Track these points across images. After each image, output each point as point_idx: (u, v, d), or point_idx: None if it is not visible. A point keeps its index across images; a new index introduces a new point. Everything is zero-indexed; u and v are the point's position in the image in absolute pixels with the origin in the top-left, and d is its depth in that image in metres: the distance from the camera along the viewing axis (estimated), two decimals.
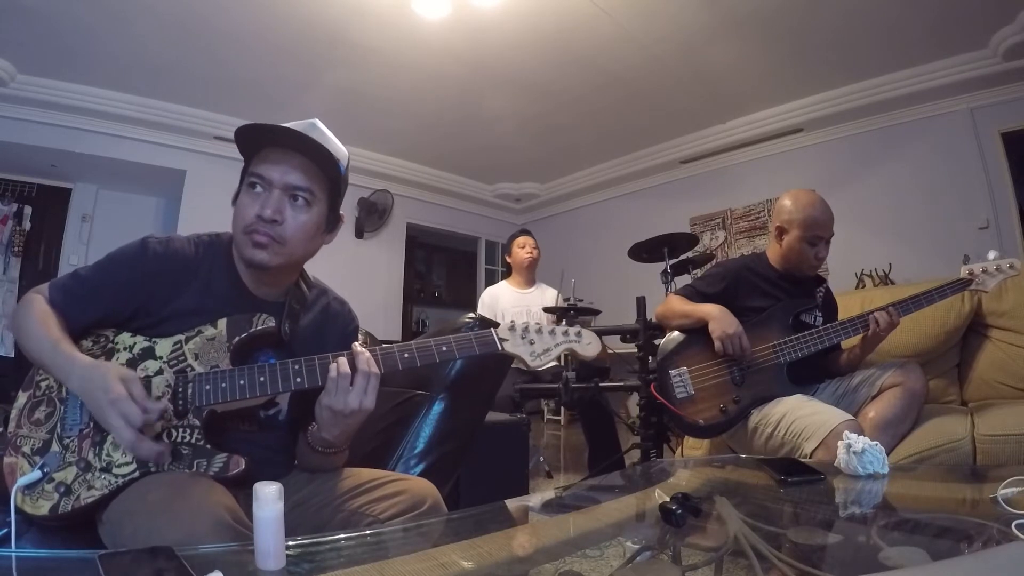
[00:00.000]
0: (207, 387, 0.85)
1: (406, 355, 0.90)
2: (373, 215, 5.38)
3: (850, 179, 4.14)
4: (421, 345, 0.91)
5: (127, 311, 0.91)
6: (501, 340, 0.91)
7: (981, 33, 3.24)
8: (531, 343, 0.92)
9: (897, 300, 1.63)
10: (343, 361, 0.85)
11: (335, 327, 1.06)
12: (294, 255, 0.94)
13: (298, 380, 0.86)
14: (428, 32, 3.33)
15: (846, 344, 1.73)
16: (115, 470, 0.81)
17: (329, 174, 0.95)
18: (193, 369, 0.87)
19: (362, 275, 5.18)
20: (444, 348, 0.90)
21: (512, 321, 0.94)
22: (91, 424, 0.83)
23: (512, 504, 1.05)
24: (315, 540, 0.75)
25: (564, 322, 0.99)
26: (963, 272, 1.64)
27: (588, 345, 0.94)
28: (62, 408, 0.85)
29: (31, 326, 0.85)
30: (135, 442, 0.77)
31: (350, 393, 0.84)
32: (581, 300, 4.03)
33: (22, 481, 0.78)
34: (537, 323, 0.94)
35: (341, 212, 1.02)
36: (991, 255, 1.62)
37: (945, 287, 1.63)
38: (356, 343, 0.89)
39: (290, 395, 0.98)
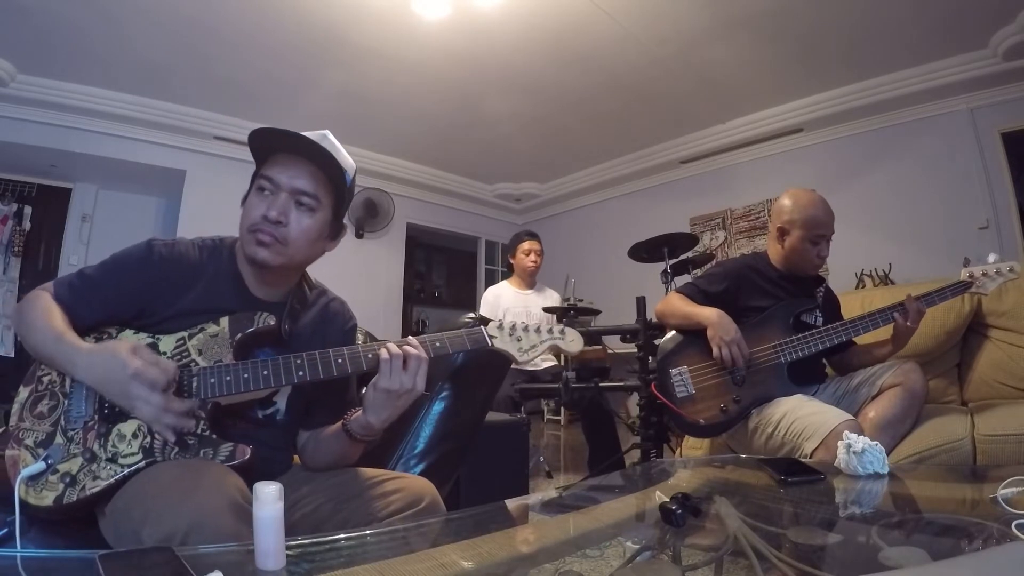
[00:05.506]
0: (212, 380, 0.87)
1: None
2: (371, 215, 5.37)
3: (850, 179, 4.14)
4: (419, 341, 0.94)
5: (131, 312, 0.92)
6: (490, 337, 0.97)
7: (981, 33, 3.24)
8: (518, 340, 0.98)
9: (898, 303, 1.62)
10: (391, 346, 0.90)
11: (334, 325, 1.08)
12: (295, 257, 0.96)
13: (300, 373, 0.88)
14: (428, 32, 3.33)
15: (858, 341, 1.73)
16: (121, 460, 0.81)
17: (336, 183, 0.98)
18: (197, 364, 0.89)
19: (362, 275, 5.19)
20: (438, 344, 0.95)
21: (500, 320, 1.00)
22: (96, 417, 0.84)
23: (512, 504, 1.06)
24: (315, 540, 0.75)
25: (563, 322, 1.04)
26: (963, 275, 1.65)
27: (571, 342, 1.00)
28: (66, 402, 0.85)
29: (36, 320, 0.86)
30: (167, 403, 0.79)
31: (404, 374, 0.89)
32: (581, 300, 4.04)
33: (26, 472, 0.78)
34: (524, 322, 0.99)
35: (345, 222, 1.05)
36: (991, 258, 1.62)
37: (945, 289, 1.63)
38: (411, 337, 0.94)
39: (288, 396, 0.99)
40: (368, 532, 0.83)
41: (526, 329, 0.99)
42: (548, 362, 3.25)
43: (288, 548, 0.65)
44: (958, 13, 3.06)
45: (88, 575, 0.56)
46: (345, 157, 0.99)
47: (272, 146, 0.96)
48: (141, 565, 0.57)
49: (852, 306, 1.93)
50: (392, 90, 4.03)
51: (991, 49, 3.32)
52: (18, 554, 0.71)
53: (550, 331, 1.00)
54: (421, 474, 1.15)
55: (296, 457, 1.05)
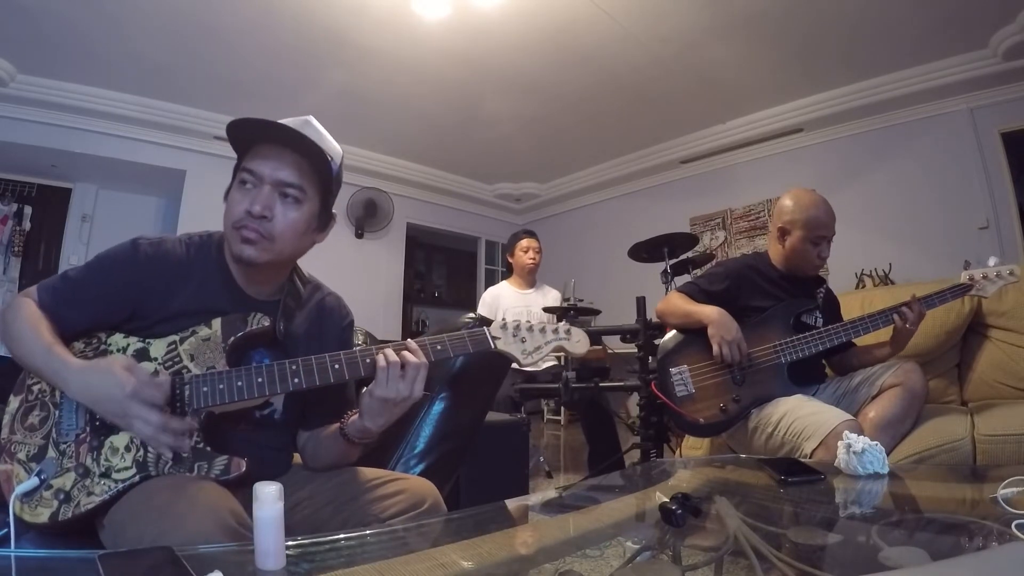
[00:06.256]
0: (204, 389, 0.83)
1: None
2: (371, 215, 5.37)
3: (850, 179, 4.14)
4: (419, 344, 0.91)
5: (120, 315, 0.89)
6: (493, 338, 0.93)
7: (981, 33, 3.24)
8: (522, 341, 0.94)
9: (898, 304, 1.62)
10: (389, 352, 0.86)
11: (330, 322, 1.05)
12: (283, 252, 0.93)
13: (295, 380, 0.85)
14: (428, 33, 3.33)
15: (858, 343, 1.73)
16: (115, 475, 0.79)
17: (321, 172, 0.93)
18: (188, 370, 0.86)
19: (362, 275, 5.19)
20: (439, 347, 0.91)
21: (504, 320, 0.95)
22: (88, 429, 0.82)
23: (512, 504, 1.05)
24: (315, 540, 0.75)
25: (564, 321, 1.01)
26: (963, 277, 1.65)
27: (577, 343, 0.96)
28: (57, 413, 0.83)
29: (21, 330, 0.83)
30: (166, 422, 0.77)
31: (401, 382, 0.85)
32: (581, 300, 4.04)
33: (20, 489, 0.76)
34: (528, 321, 0.95)
35: (334, 211, 1.01)
36: (991, 261, 1.62)
37: (945, 291, 1.63)
38: (410, 341, 0.90)
39: (285, 396, 0.96)
40: (368, 532, 0.83)
41: (530, 329, 0.94)
42: (548, 362, 3.25)
43: (288, 548, 0.64)
44: (958, 13, 3.06)
45: (88, 575, 0.56)
46: (330, 143, 0.94)
47: (253, 136, 0.91)
48: (141, 565, 0.57)
49: (852, 306, 1.93)
50: (392, 90, 4.03)
51: (991, 49, 3.32)
52: (13, 554, 0.71)
53: (555, 331, 0.95)
54: (421, 474, 1.14)
55: (296, 456, 1.04)
